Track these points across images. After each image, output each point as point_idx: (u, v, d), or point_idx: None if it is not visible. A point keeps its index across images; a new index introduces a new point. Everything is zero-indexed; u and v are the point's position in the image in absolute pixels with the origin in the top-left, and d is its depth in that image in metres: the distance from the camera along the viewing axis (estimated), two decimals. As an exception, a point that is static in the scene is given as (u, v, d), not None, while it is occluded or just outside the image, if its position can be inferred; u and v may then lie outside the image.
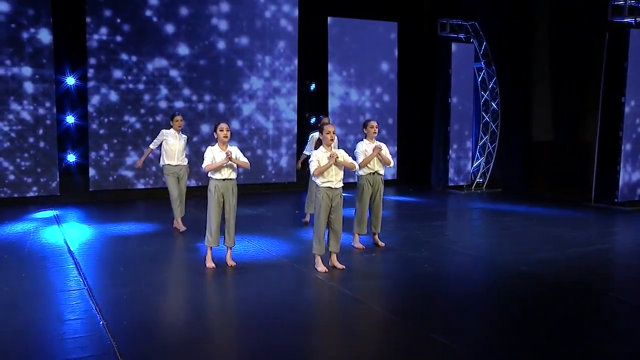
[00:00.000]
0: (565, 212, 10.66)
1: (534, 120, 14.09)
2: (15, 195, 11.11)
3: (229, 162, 6.59)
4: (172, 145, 8.69)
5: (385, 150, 7.59)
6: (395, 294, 6.06)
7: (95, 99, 11.59)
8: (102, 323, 4.83)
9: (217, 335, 4.87)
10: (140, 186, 12.00)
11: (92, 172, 11.68)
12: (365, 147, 7.60)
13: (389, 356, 4.41)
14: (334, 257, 6.78)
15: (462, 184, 13.85)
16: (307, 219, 9.48)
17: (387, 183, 13.77)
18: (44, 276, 6.38)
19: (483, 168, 14.12)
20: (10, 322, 4.93)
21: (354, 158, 7.32)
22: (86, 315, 5.07)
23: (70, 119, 11.81)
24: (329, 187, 6.53)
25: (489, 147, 14.07)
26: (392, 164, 7.70)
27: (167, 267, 6.92)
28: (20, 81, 10.96)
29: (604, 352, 4.58)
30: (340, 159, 6.50)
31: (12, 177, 11.05)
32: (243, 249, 7.62)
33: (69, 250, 7.44)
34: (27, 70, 11.00)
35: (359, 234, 7.82)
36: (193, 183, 12.47)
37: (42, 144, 11.25)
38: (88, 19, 11.33)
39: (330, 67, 13.50)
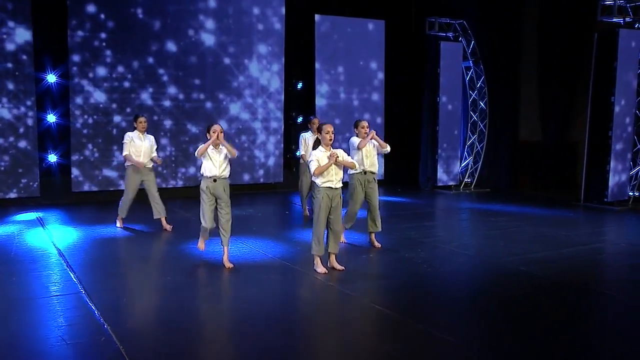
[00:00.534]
0: (555, 212, 10.85)
1: (522, 120, 14.29)
2: (-5, 197, 10.99)
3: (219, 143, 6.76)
4: (138, 147, 8.74)
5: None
6: (398, 294, 6.13)
7: (78, 97, 11.49)
8: (107, 327, 4.81)
9: (223, 337, 4.88)
10: (124, 187, 11.90)
11: (75, 172, 11.57)
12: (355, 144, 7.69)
13: (398, 356, 4.47)
14: (332, 258, 6.83)
15: (450, 184, 14.01)
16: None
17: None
18: (36, 280, 6.32)
19: (471, 168, 14.30)
20: (9, 329, 4.88)
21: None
22: (87, 319, 5.05)
23: (51, 118, 11.69)
24: (329, 187, 6.58)
25: (477, 147, 14.26)
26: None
27: (161, 269, 6.91)
28: (-1, 78, 10.84)
29: (601, 350, 4.70)
30: (339, 158, 6.56)
31: (-9, 177, 10.93)
32: (238, 251, 7.64)
33: (60, 253, 7.37)
34: (6, 67, 10.86)
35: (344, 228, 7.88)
36: (180, 184, 12.45)
37: (22, 144, 11.12)
38: (70, 15, 11.21)
39: (317, 65, 13.55)
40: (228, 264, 6.89)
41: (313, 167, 6.50)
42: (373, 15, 14.16)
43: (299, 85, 14.42)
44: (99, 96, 11.64)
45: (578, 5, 12.42)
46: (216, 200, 6.86)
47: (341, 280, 6.38)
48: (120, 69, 11.73)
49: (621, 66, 10.71)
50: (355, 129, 7.85)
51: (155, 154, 9.00)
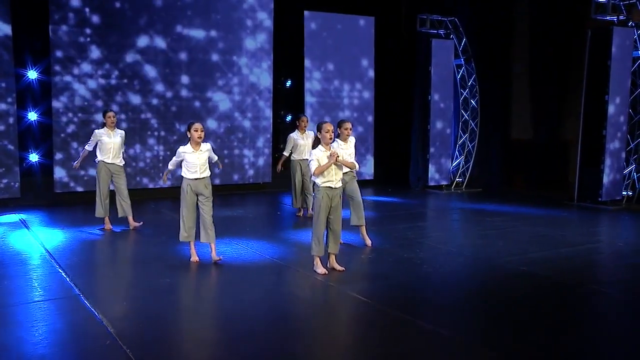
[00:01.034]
0: (550, 211, 11.02)
1: (514, 118, 14.47)
2: (-26, 198, 10.86)
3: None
4: (107, 144, 8.84)
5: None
6: (401, 294, 6.20)
7: (61, 95, 11.39)
8: (110, 330, 4.80)
9: (229, 339, 4.90)
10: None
11: (58, 172, 11.47)
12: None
13: (407, 356, 4.54)
14: (332, 258, 6.89)
15: (441, 183, 14.13)
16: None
17: (364, 183, 14.14)
18: (29, 283, 6.29)
19: (462, 167, 14.45)
20: (9, 335, 4.85)
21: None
22: (88, 323, 5.04)
23: (32, 116, 11.57)
24: (329, 186, 6.64)
25: (468, 146, 14.41)
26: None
27: (157, 270, 6.88)
28: (-24, 75, 10.72)
29: (603, 350, 4.83)
30: (339, 158, 6.61)
31: (-30, 178, 10.79)
32: (234, 252, 7.67)
33: (49, 256, 7.32)
34: (-17, 63, 10.76)
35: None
36: (167, 184, 12.40)
37: (2, 143, 11.01)
38: (52, 8, 11.10)
39: (307, 63, 13.59)
40: (216, 257, 7.09)
41: (313, 166, 6.55)
42: (363, 12, 14.25)
43: (288, 83, 14.44)
44: (83, 94, 11.55)
45: (571, 3, 12.60)
46: (197, 198, 7.03)
47: (342, 281, 6.44)
48: (106, 65, 11.66)
49: (615, 64, 10.90)
50: (338, 129, 7.70)
51: (122, 149, 9.06)
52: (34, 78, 11.49)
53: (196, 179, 7.00)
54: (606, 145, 11.11)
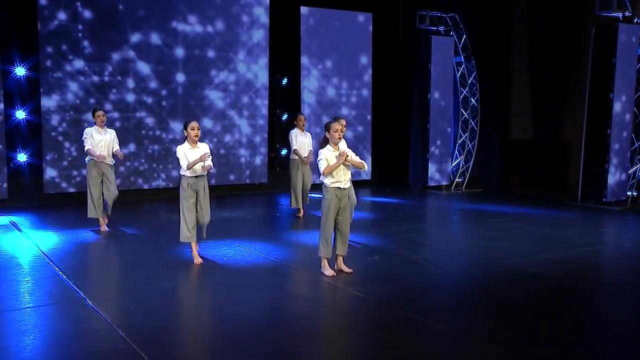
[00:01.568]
0: (553, 212, 11.15)
1: (514, 117, 14.59)
2: (-40, 199, 10.81)
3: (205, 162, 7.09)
4: (97, 142, 8.93)
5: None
6: (411, 296, 6.29)
7: (51, 92, 11.35)
8: (122, 334, 4.83)
9: (243, 341, 4.94)
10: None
11: (49, 173, 11.43)
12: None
13: (423, 356, 4.63)
14: (340, 260, 6.95)
15: (441, 184, 14.23)
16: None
17: (361, 183, 14.24)
18: (33, 288, 6.32)
19: (462, 167, 14.56)
20: (17, 341, 4.86)
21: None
22: (99, 327, 5.07)
23: (20, 114, 11.51)
24: (338, 187, 6.70)
25: (468, 145, 14.52)
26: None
27: (160, 273, 6.91)
28: (-39, 71, 10.68)
29: (617, 351, 4.93)
30: (349, 157, 6.66)
31: (-44, 178, 10.75)
32: (237, 254, 7.72)
33: (48, 259, 7.31)
34: (-31, 59, 10.72)
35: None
36: (162, 184, 12.42)
37: (-11, 142, 10.96)
38: (41, 3, 11.07)
39: (304, 60, 13.63)
40: (198, 260, 7.27)
41: (322, 166, 6.61)
42: (361, 8, 14.32)
43: (284, 81, 14.47)
44: (75, 91, 11.52)
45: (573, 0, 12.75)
46: (196, 196, 7.24)
47: (350, 283, 6.51)
48: (98, 62, 11.63)
49: (620, 62, 11.04)
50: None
51: (117, 148, 9.13)
52: (22, 75, 11.44)
53: (196, 177, 7.19)
54: (611, 144, 11.24)
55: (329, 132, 6.73)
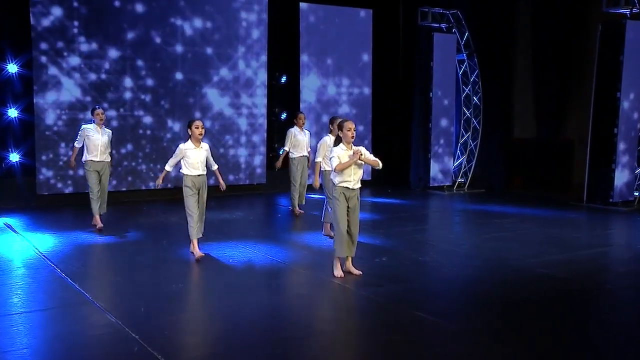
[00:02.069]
0: (559, 213, 11.27)
1: (517, 116, 14.74)
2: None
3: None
4: (94, 140, 9.16)
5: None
6: (424, 297, 6.39)
7: (45, 90, 11.33)
8: (135, 336, 4.88)
9: (260, 343, 5.00)
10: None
11: (42, 173, 11.41)
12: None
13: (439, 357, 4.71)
14: (349, 261, 7.01)
15: (443, 184, 14.32)
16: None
17: (361, 184, 14.24)
18: (38, 290, 6.36)
19: (465, 167, 14.66)
20: (29, 346, 4.90)
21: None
22: (111, 329, 5.11)
23: (13, 113, 11.48)
24: (347, 187, 6.78)
25: (470, 145, 14.62)
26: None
27: (166, 275, 6.97)
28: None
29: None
30: (363, 156, 6.73)
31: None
32: (243, 256, 7.79)
33: (49, 262, 7.33)
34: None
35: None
36: (160, 185, 12.41)
37: (-20, 142, 10.96)
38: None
39: (302, 57, 13.69)
40: (200, 253, 7.56)
41: (334, 163, 6.68)
42: (361, 4, 14.38)
43: (283, 79, 14.53)
44: (69, 89, 11.50)
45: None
46: (198, 193, 7.59)
47: (360, 284, 6.59)
48: (94, 59, 11.63)
49: (628, 60, 11.17)
50: (332, 128, 7.76)
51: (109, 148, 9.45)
52: (14, 72, 11.41)
53: (199, 175, 7.51)
54: (618, 144, 11.36)
55: (342, 131, 6.80)
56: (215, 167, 7.86)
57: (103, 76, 11.75)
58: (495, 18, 14.12)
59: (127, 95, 12.02)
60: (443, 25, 14.07)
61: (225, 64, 12.89)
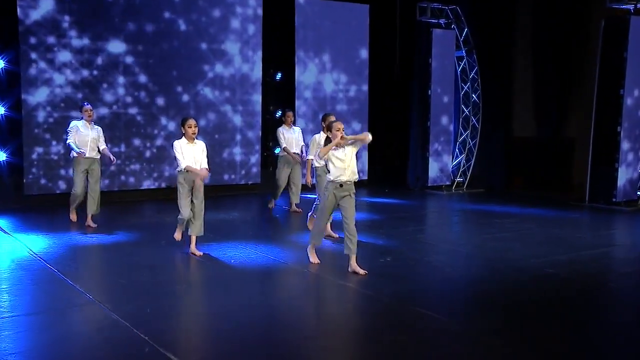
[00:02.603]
0: (561, 213, 11.45)
1: (517, 114, 14.90)
2: None
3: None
4: (84, 136, 9.41)
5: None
6: (433, 297, 6.55)
7: (33, 86, 11.34)
8: (145, 337, 4.97)
9: (263, 339, 5.12)
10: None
11: (30, 173, 11.42)
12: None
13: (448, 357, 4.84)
14: (353, 260, 7.15)
15: (441, 184, 14.49)
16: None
17: (358, 183, 14.34)
18: (39, 291, 6.45)
19: (463, 166, 14.83)
20: (37, 347, 4.98)
21: None
22: (119, 330, 5.20)
23: (-1, 110, 11.51)
24: (339, 183, 7.09)
25: (469, 144, 14.80)
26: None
27: (168, 276, 7.10)
28: None
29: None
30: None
31: None
32: (244, 256, 7.93)
33: (46, 264, 7.38)
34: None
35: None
36: (154, 185, 12.51)
37: (-35, 140, 10.97)
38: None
39: (300, 54, 13.79)
40: (197, 252, 7.82)
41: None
42: (357, -1, 14.53)
43: (278, 76, 14.62)
44: (59, 86, 11.52)
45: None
46: (192, 191, 7.82)
47: (366, 284, 6.72)
48: (85, 54, 11.66)
49: (632, 56, 11.36)
50: (324, 126, 8.04)
51: (104, 146, 9.65)
52: (0, 67, 11.43)
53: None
54: (621, 142, 11.56)
55: (330, 131, 7.14)
56: (205, 166, 7.91)
57: (95, 72, 11.79)
58: (494, 14, 14.28)
59: (120, 92, 12.07)
60: (442, 21, 14.23)
61: (219, 61, 12.96)
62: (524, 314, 5.96)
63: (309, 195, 11.33)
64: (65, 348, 4.91)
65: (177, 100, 12.61)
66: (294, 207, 11.02)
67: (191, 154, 7.69)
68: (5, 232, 9.26)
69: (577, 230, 10.11)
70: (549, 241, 9.04)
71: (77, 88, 11.67)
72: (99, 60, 11.82)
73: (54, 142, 11.53)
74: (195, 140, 7.78)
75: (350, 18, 14.42)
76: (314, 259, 7.42)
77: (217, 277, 7.10)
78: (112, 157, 9.72)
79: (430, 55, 13.91)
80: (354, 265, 7.16)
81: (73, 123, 9.51)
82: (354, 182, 7.22)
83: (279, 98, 14.43)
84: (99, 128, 9.71)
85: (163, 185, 12.27)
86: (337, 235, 8.65)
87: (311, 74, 14.00)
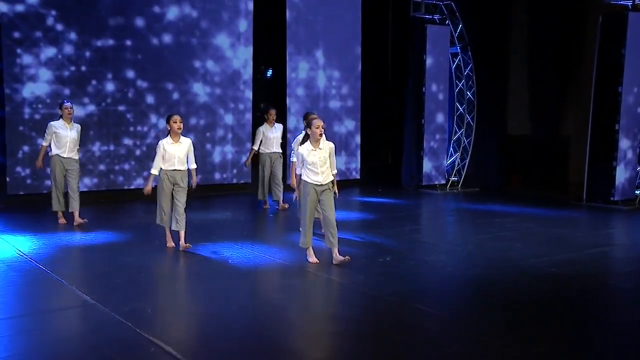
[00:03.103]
0: (560, 212, 11.61)
1: (512, 112, 15.08)
2: None
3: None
4: (63, 138, 9.51)
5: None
6: (437, 296, 6.66)
7: (18, 83, 11.32)
8: (150, 337, 5.03)
9: (269, 335, 5.19)
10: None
11: (13, 172, 11.40)
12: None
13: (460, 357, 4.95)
14: (335, 253, 7.45)
15: (435, 182, 14.62)
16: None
17: (350, 183, 14.55)
18: (35, 292, 6.48)
19: (458, 165, 14.96)
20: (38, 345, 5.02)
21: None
22: (123, 332, 5.25)
23: (-21, 107, 11.47)
24: (317, 183, 7.37)
25: (464, 142, 14.94)
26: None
27: (166, 276, 7.20)
28: None
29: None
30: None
31: None
32: (242, 256, 8.00)
33: (39, 265, 7.39)
34: None
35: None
36: (143, 184, 12.47)
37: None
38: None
39: (289, 49, 13.85)
40: (184, 245, 8.10)
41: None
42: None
43: (269, 73, 14.70)
44: (45, 82, 11.50)
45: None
46: (173, 188, 8.09)
47: (369, 285, 6.82)
48: (72, 50, 11.66)
49: (630, 53, 11.54)
50: (305, 124, 7.99)
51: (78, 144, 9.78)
52: (-21, 63, 11.40)
53: (174, 169, 8.01)
54: (619, 140, 11.73)
55: (310, 128, 7.31)
56: (193, 166, 8.25)
57: (82, 68, 11.79)
58: (490, 10, 14.42)
59: (109, 88, 12.08)
60: (436, 17, 14.35)
61: (210, 56, 13.00)
62: (524, 314, 6.05)
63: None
64: (70, 348, 4.96)
65: (167, 97, 12.63)
66: (280, 203, 11.26)
67: (174, 154, 7.95)
68: (-10, 233, 9.25)
69: (576, 229, 10.28)
70: (549, 241, 9.18)
71: (63, 84, 11.65)
72: (87, 55, 11.82)
73: (37, 140, 11.44)
74: (181, 139, 8.05)
75: (342, 14, 14.50)
76: (312, 258, 7.55)
77: (214, 277, 7.16)
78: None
79: (424, 52, 14.03)
80: (337, 257, 7.43)
81: (51, 124, 9.55)
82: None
83: (270, 95, 14.52)
84: (78, 126, 9.79)
85: (154, 184, 12.25)
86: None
87: (303, 71, 14.06)
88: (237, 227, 10.21)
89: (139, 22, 12.24)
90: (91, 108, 11.86)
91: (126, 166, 12.36)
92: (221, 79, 13.19)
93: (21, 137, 11.45)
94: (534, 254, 8.29)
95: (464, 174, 14.96)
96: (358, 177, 15.08)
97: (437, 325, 5.72)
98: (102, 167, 11.93)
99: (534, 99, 15.01)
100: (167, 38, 12.53)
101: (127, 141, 12.36)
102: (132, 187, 12.41)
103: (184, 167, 8.08)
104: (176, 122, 7.93)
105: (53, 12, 11.45)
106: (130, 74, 12.25)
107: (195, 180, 8.32)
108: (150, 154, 12.41)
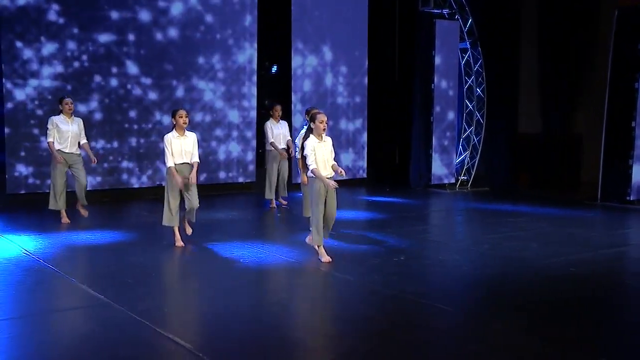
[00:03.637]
0: (573, 212, 11.72)
1: (523, 109, 15.16)
2: None
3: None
4: (64, 133, 9.63)
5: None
6: (455, 296, 6.75)
7: (18, 79, 11.39)
8: (169, 336, 5.13)
9: (291, 342, 5.30)
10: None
11: (13, 170, 11.48)
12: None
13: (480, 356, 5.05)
14: (322, 249, 7.77)
15: (444, 182, 14.74)
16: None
17: (357, 182, 14.67)
18: (45, 292, 6.57)
19: (467, 164, 15.07)
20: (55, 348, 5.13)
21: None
22: (141, 331, 5.35)
23: (-21, 103, 11.56)
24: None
25: (473, 140, 15.05)
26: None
27: (178, 275, 7.29)
28: None
29: None
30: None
31: None
32: (253, 255, 8.11)
33: (48, 265, 7.48)
34: None
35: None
36: (147, 182, 12.61)
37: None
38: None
39: (295, 45, 13.95)
40: (180, 242, 8.40)
41: (311, 159, 7.47)
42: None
43: (274, 69, 14.80)
44: (46, 78, 11.59)
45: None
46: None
47: (387, 284, 6.90)
48: (74, 45, 11.76)
49: (643, 49, 11.67)
50: (308, 119, 8.30)
51: (85, 141, 9.89)
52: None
53: (182, 163, 8.27)
54: (636, 138, 11.83)
55: (314, 122, 7.57)
56: (196, 159, 8.41)
57: (86, 64, 11.88)
58: (500, 4, 14.53)
59: (112, 84, 12.18)
60: (445, 11, 14.46)
61: (215, 53, 13.10)
62: (540, 313, 6.13)
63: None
64: (90, 346, 5.05)
65: (171, 93, 12.73)
66: (280, 200, 11.59)
67: (180, 147, 8.20)
68: (-7, 232, 9.34)
69: (591, 229, 10.39)
70: (564, 240, 9.29)
71: (64, 80, 11.74)
72: (90, 49, 11.92)
73: (40, 138, 11.55)
74: (186, 132, 8.30)
75: (349, 8, 14.59)
76: (325, 258, 7.69)
77: (227, 276, 7.26)
78: (92, 157, 9.92)
79: (433, 47, 14.15)
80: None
81: (52, 119, 9.67)
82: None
83: (275, 91, 14.61)
84: (80, 120, 9.89)
85: (158, 183, 12.40)
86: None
87: (308, 67, 14.16)
88: (246, 226, 10.37)
89: (143, 16, 12.33)
90: (94, 105, 11.95)
91: (130, 164, 12.45)
92: (225, 75, 13.29)
93: (18, 136, 11.52)
94: (550, 254, 8.39)
95: (473, 173, 15.07)
96: (365, 176, 15.18)
97: (453, 324, 5.82)
98: (105, 165, 12.02)
99: (545, 96, 15.10)
100: (171, 32, 12.62)
101: (130, 138, 12.46)
102: (135, 185, 12.50)
103: (191, 160, 8.34)
104: (182, 117, 8.21)
105: (55, 7, 11.54)
106: (133, 69, 12.34)
107: (194, 174, 8.37)
108: (153, 151, 12.55)
